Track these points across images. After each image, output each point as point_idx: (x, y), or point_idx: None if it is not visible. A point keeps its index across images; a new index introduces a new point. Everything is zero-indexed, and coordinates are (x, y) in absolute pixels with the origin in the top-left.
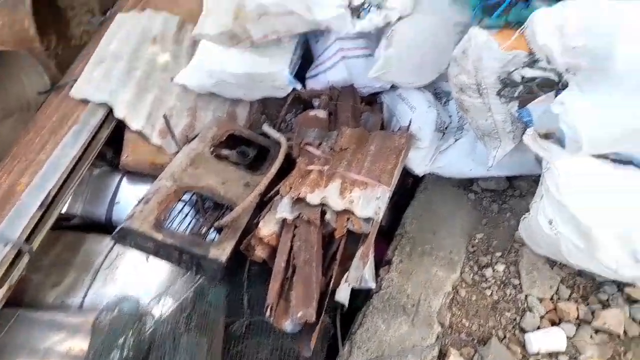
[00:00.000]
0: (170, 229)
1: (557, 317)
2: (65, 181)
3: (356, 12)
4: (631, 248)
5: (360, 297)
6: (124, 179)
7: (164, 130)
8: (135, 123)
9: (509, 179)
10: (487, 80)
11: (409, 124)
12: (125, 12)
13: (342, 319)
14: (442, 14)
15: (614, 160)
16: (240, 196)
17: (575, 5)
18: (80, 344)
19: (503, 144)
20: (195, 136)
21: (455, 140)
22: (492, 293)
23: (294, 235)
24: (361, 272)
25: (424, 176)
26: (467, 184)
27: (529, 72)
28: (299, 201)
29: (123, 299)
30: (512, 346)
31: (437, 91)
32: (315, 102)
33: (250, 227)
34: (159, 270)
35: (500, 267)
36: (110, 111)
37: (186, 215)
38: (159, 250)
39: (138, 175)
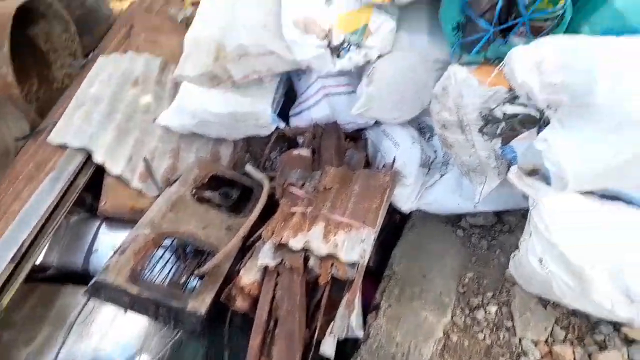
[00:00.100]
0: (147, 279)
1: None
2: (39, 232)
3: (336, 51)
4: (624, 286)
5: (348, 344)
6: (103, 226)
7: (145, 174)
8: (114, 167)
9: (497, 213)
10: (469, 117)
11: (394, 161)
12: (107, 55)
13: None
14: (421, 51)
15: (602, 196)
16: (222, 240)
17: (551, 42)
18: None
19: (489, 179)
20: (177, 179)
21: (441, 176)
22: (484, 337)
23: (276, 284)
24: (347, 320)
25: (411, 213)
26: (455, 219)
27: (511, 109)
28: (281, 247)
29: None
30: None
31: (421, 126)
32: (300, 140)
33: (232, 274)
34: (137, 323)
35: (493, 309)
36: (89, 156)
37: (166, 262)
38: (134, 304)
39: (117, 221)
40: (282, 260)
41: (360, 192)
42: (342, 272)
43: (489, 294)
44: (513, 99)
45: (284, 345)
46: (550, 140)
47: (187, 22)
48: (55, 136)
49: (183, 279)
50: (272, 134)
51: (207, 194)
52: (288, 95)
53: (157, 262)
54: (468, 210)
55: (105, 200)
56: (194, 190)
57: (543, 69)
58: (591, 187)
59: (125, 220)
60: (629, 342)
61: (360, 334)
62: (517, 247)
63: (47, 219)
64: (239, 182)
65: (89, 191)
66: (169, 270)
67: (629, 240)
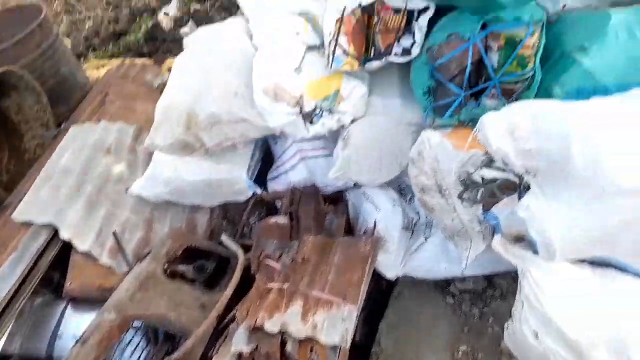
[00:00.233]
0: None
1: None
2: None
3: (308, 117)
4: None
5: None
6: (69, 308)
7: (115, 249)
8: (82, 243)
9: (488, 277)
10: (447, 181)
11: (374, 226)
12: (79, 125)
13: None
14: (395, 115)
15: (592, 263)
16: (196, 321)
17: (522, 108)
18: None
19: (474, 244)
20: (148, 253)
21: (426, 239)
22: None
23: None
24: None
25: (397, 279)
26: (443, 285)
27: (489, 173)
28: (256, 330)
29: None
30: None
31: (402, 187)
32: (278, 204)
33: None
34: None
35: None
36: (56, 232)
37: (136, 347)
38: None
39: (85, 302)
40: (257, 345)
41: (340, 263)
42: (323, 358)
43: None
44: (490, 162)
45: None
46: (533, 207)
47: (163, 88)
48: (20, 213)
49: None
50: (249, 199)
51: (181, 268)
52: (266, 159)
53: (127, 345)
54: (456, 275)
55: (70, 281)
56: (167, 265)
57: (516, 136)
58: (581, 256)
59: (93, 300)
60: None
61: None
62: (510, 316)
63: (8, 304)
64: (215, 252)
65: (56, 269)
66: (139, 357)
67: (625, 310)
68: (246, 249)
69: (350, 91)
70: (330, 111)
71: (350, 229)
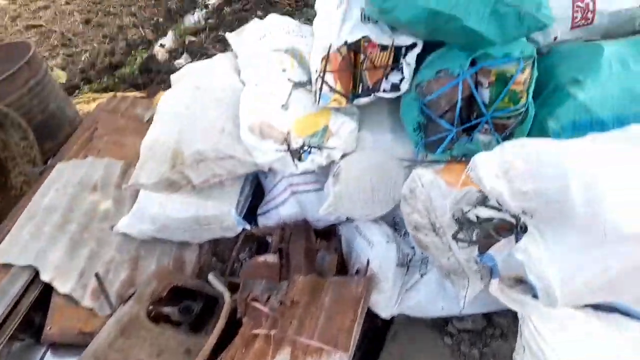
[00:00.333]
0: None
1: None
2: None
3: (296, 154)
4: None
5: None
6: (48, 354)
7: (98, 290)
8: (63, 285)
9: (487, 315)
10: (441, 220)
11: (367, 264)
12: (66, 161)
13: None
14: (386, 149)
15: (596, 308)
16: None
17: (516, 147)
18: None
19: (471, 283)
20: (132, 294)
21: (422, 276)
22: None
23: None
24: None
25: (393, 317)
26: (441, 323)
27: (484, 212)
28: None
29: None
30: None
31: (396, 220)
32: (269, 239)
33: None
34: None
35: None
36: (37, 273)
37: None
38: None
39: (65, 347)
40: None
41: (331, 305)
42: None
43: None
44: (485, 199)
45: None
46: (531, 250)
47: None
48: (0, 254)
49: None
50: (239, 234)
51: (166, 310)
52: (257, 192)
53: None
54: (453, 314)
55: (50, 325)
56: (151, 307)
57: (511, 177)
58: (583, 302)
59: (74, 345)
60: None
61: None
62: (511, 359)
63: None
64: (203, 292)
65: (38, 310)
66: None
67: (632, 357)
68: (236, 287)
69: (339, 127)
70: (319, 147)
71: (343, 265)
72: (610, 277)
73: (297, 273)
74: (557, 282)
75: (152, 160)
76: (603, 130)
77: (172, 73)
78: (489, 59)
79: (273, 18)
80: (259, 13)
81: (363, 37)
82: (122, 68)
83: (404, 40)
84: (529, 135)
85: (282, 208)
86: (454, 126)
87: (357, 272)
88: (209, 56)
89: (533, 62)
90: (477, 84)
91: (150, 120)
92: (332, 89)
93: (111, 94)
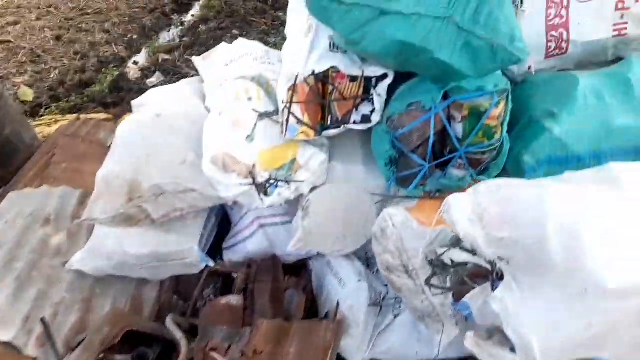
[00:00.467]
0: None
1: None
2: None
3: (262, 188)
4: None
5: None
6: None
7: (43, 337)
8: (5, 333)
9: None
10: (414, 262)
11: (337, 306)
12: (19, 190)
13: None
14: (358, 182)
15: None
16: None
17: (490, 191)
18: None
19: (446, 328)
20: (82, 341)
21: (395, 317)
22: None
23: None
24: None
25: None
26: None
27: (458, 255)
28: None
29: None
30: None
31: (369, 255)
32: (235, 275)
33: None
34: None
35: None
36: None
37: None
38: None
39: None
40: None
41: (297, 354)
42: None
43: None
44: (459, 241)
45: None
46: (507, 301)
47: None
48: None
49: None
50: (203, 270)
51: (118, 358)
52: (223, 222)
53: None
54: (429, 357)
55: None
56: (102, 355)
57: (485, 222)
58: (564, 359)
59: None
60: None
61: None
62: None
63: None
64: (161, 336)
65: None
66: None
67: None
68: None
69: (308, 159)
70: (287, 181)
71: (313, 302)
72: (593, 334)
73: (262, 316)
74: (535, 339)
75: (107, 194)
76: (579, 165)
77: (143, 92)
78: (462, 92)
79: (241, 43)
80: (235, 32)
81: (331, 68)
82: (93, 86)
83: (374, 70)
84: (504, 168)
85: (249, 242)
86: (427, 162)
87: (327, 315)
88: (183, 75)
89: (507, 96)
90: (450, 118)
91: None
92: (299, 121)
93: (74, 116)
